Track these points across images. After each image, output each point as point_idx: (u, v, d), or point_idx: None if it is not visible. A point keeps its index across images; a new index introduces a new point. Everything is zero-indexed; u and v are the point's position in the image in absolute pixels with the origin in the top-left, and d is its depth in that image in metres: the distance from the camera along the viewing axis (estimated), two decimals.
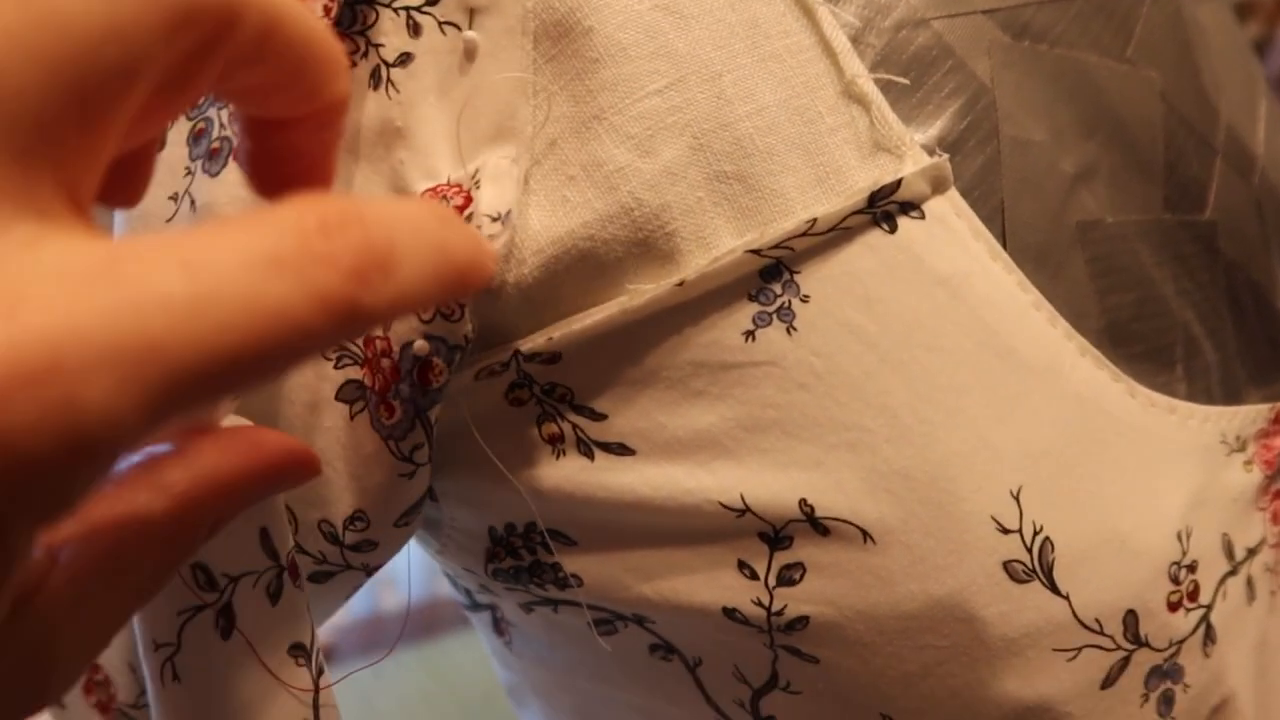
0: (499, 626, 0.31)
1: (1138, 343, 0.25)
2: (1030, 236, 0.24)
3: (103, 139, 0.13)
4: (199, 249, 0.12)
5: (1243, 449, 0.26)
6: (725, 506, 0.22)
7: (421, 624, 1.58)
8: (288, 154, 0.17)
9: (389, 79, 0.22)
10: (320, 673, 0.23)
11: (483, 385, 0.23)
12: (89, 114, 0.13)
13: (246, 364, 0.12)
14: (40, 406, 0.11)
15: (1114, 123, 0.26)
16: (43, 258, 0.12)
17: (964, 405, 0.22)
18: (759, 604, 0.23)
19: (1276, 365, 0.28)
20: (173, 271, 0.12)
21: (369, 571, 0.26)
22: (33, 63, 0.12)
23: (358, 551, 0.24)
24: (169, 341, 0.11)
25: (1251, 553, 0.25)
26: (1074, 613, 0.22)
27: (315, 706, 0.22)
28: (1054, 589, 0.22)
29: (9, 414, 0.10)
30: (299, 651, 0.22)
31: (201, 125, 0.24)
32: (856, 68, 0.22)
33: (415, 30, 0.22)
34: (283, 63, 0.15)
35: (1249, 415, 0.26)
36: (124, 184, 0.17)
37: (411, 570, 0.32)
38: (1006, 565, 0.22)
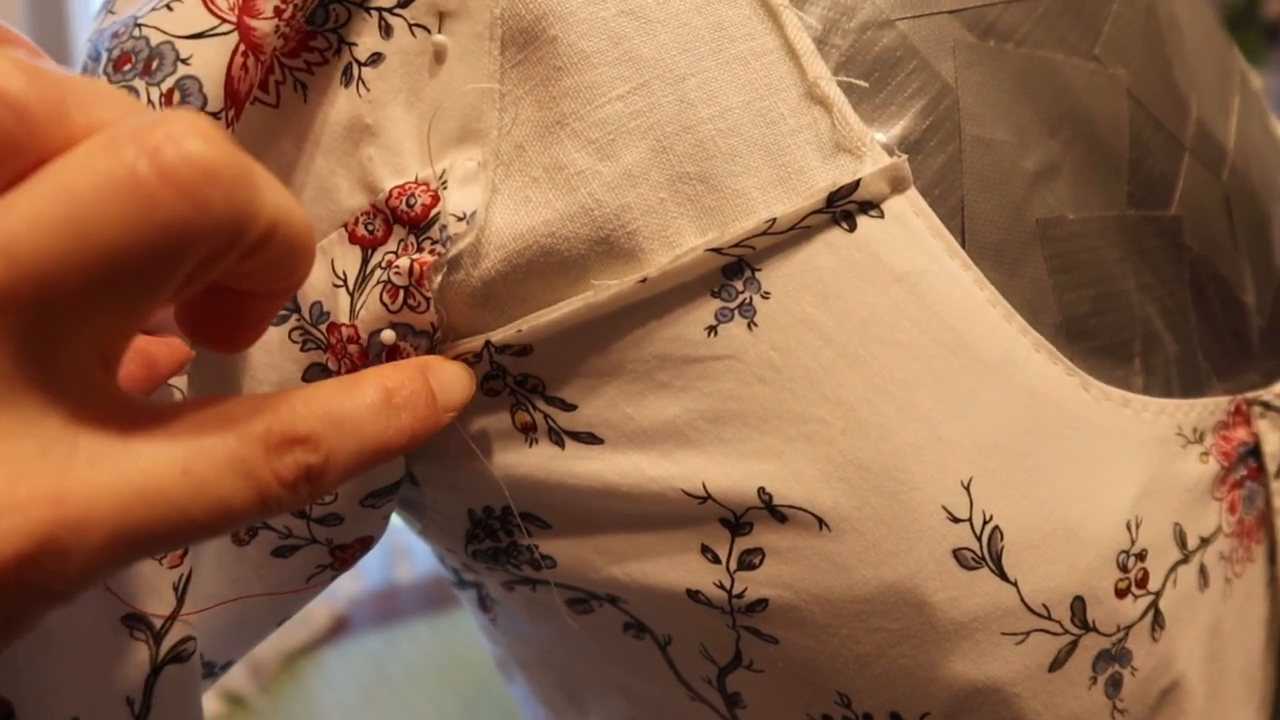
0: (484, 604, 0.32)
1: (1095, 337, 0.25)
2: (989, 234, 0.24)
3: (132, 325, 0.17)
4: (197, 447, 0.16)
5: (1200, 440, 0.26)
6: (688, 494, 0.23)
7: (433, 596, 1.61)
8: (232, 312, 0.19)
9: (360, 77, 0.23)
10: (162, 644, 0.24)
11: None
12: (127, 317, 0.16)
13: (193, 538, 0.17)
14: (58, 569, 0.15)
15: (1079, 120, 0.26)
16: (77, 441, 0.16)
17: (918, 399, 0.23)
18: (721, 587, 0.24)
19: (1241, 358, 0.29)
20: (168, 466, 0.16)
21: (332, 550, 0.27)
22: (83, 283, 0.15)
23: (324, 525, 0.26)
24: (148, 529, 0.16)
25: (1205, 541, 0.26)
26: (1022, 598, 0.23)
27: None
28: (1002, 575, 0.23)
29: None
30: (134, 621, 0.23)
31: None
32: (819, 70, 0.23)
33: (387, 31, 0.23)
34: (276, 256, 0.17)
35: (1207, 407, 0.27)
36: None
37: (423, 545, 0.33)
38: (956, 553, 0.23)
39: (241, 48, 0.22)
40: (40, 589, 0.15)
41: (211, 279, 0.17)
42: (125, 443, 0.16)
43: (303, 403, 0.18)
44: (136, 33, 0.22)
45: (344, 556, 0.27)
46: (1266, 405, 0.28)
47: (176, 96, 0.22)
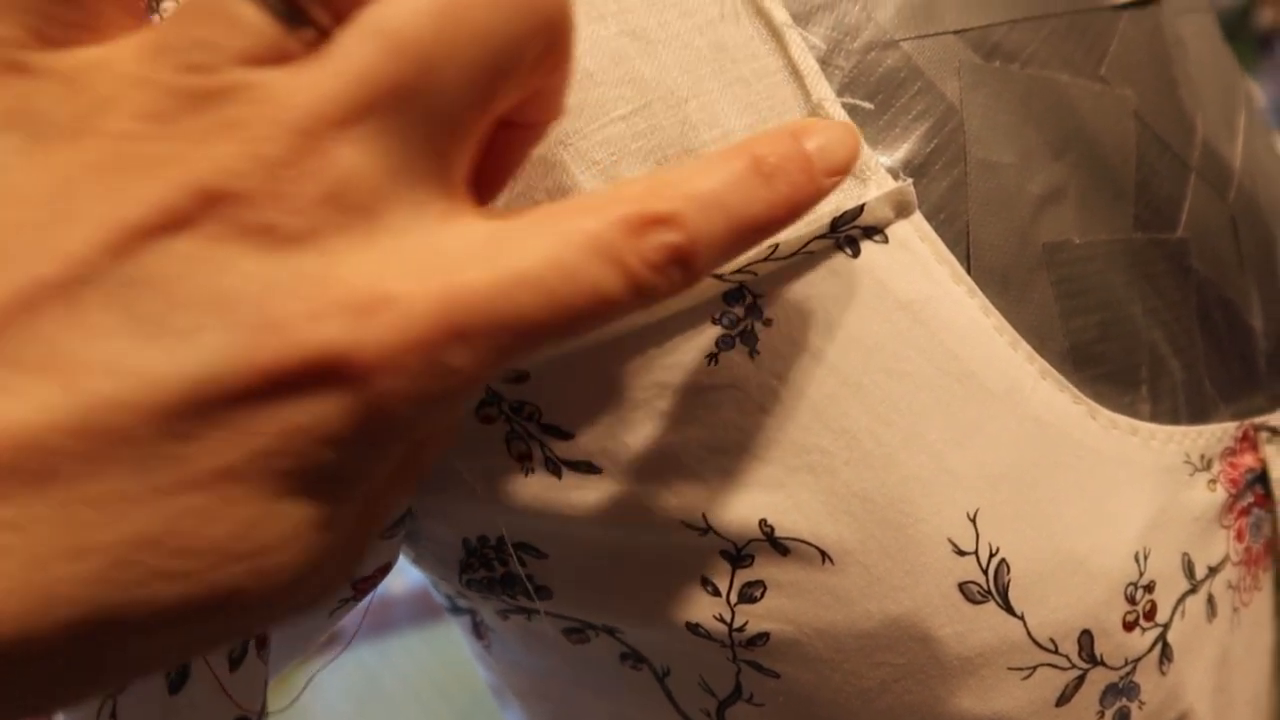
0: (478, 630, 0.31)
1: (1102, 364, 0.25)
2: (995, 259, 0.24)
3: (483, 128, 0.17)
4: (563, 234, 0.16)
5: (1207, 468, 0.26)
6: (688, 525, 0.23)
7: (427, 607, 1.60)
8: (496, 151, 0.19)
9: None
10: None
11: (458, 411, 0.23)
12: (486, 109, 0.17)
13: (571, 327, 0.16)
14: (424, 372, 0.15)
15: (1085, 143, 0.26)
16: (451, 231, 0.16)
17: (923, 429, 0.22)
18: (721, 620, 0.23)
19: (1247, 382, 0.29)
20: (534, 254, 0.16)
21: (354, 584, 0.26)
22: (461, 69, 0.16)
23: None
24: (526, 314, 0.15)
25: (1213, 570, 0.26)
26: (1029, 633, 0.23)
27: None
28: (1009, 609, 0.22)
29: (405, 364, 0.15)
30: None
31: None
32: (823, 91, 0.23)
33: None
34: (560, 72, 0.18)
35: (1214, 434, 0.26)
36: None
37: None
38: (962, 586, 0.22)
39: None
40: (443, 376, 0.15)
41: (528, 88, 0.17)
42: (493, 235, 0.16)
43: (662, 183, 0.17)
44: None
45: (364, 587, 0.27)
46: (1274, 430, 0.28)
47: None
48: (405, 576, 1.71)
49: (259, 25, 0.15)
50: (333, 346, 0.14)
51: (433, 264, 0.15)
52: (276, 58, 0.15)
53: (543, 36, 0.16)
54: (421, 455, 0.19)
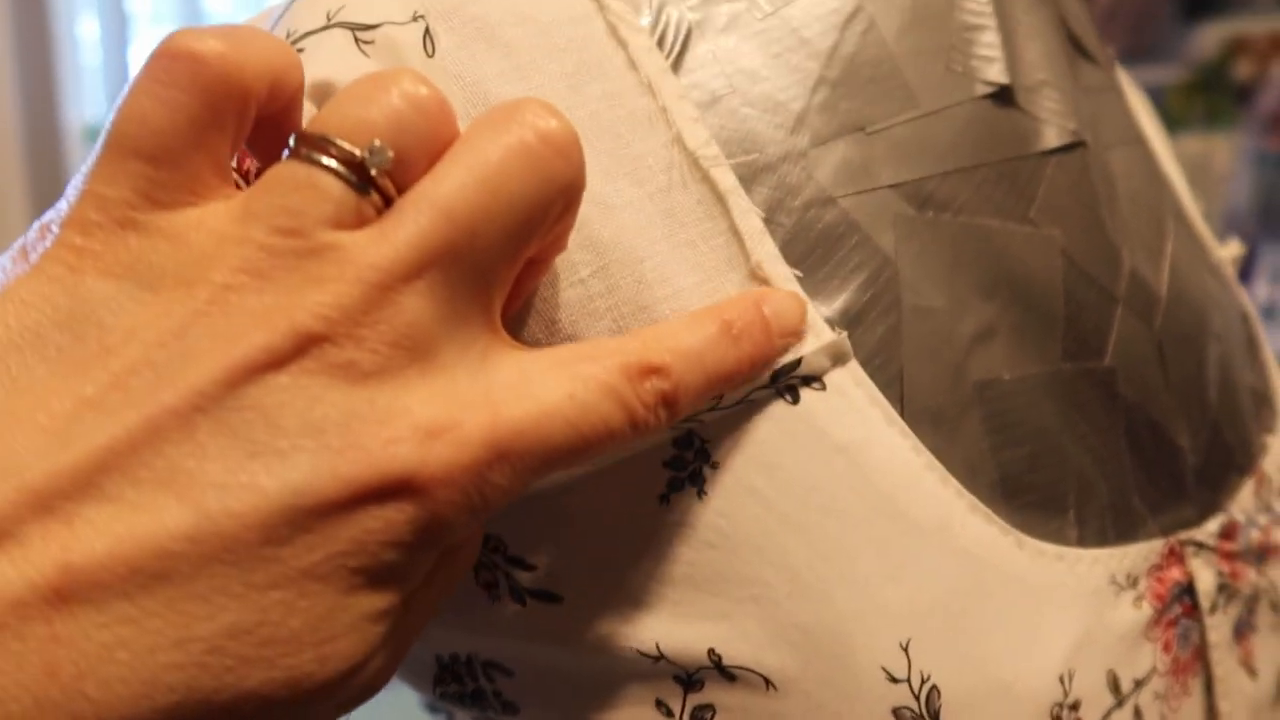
0: None
1: (1031, 493, 0.27)
2: (928, 400, 0.26)
3: (515, 273, 0.21)
4: (577, 377, 0.20)
5: (1133, 585, 0.28)
6: (642, 653, 0.24)
7: None
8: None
9: None
10: None
11: None
12: (519, 260, 0.20)
13: (585, 454, 0.20)
14: (473, 487, 0.18)
15: (1014, 283, 0.28)
16: (492, 366, 0.20)
17: (857, 565, 0.24)
18: None
19: (1175, 497, 0.30)
20: (558, 392, 0.20)
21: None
22: (499, 232, 0.19)
23: None
24: (553, 442, 0.19)
25: (1139, 684, 0.27)
26: None
27: None
28: None
29: (459, 481, 0.18)
30: None
31: None
32: (763, 251, 0.25)
33: None
34: (569, 220, 0.22)
35: (1140, 553, 0.28)
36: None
37: None
38: (896, 711, 0.24)
39: None
40: (487, 491, 0.19)
41: (550, 237, 0.21)
42: (523, 372, 0.20)
43: (654, 338, 0.22)
44: None
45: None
46: (1200, 545, 0.30)
47: None
48: None
49: (338, 194, 0.18)
50: (404, 466, 0.17)
51: (480, 397, 0.19)
52: (352, 221, 0.18)
53: (563, 198, 0.20)
54: (456, 561, 0.22)
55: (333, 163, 0.18)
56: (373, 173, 0.18)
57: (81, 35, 1.42)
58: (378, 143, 0.18)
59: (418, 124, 0.19)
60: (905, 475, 0.25)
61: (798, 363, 0.24)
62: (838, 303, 0.25)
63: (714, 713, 0.24)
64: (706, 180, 0.25)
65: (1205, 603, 0.30)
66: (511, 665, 0.27)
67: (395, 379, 0.18)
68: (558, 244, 0.23)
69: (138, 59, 1.48)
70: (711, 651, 0.24)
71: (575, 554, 0.25)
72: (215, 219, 0.18)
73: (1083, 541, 0.27)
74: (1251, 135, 1.46)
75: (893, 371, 0.26)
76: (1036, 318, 0.28)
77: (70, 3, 1.41)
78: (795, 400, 0.24)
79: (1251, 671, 0.32)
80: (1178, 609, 0.29)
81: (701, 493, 0.24)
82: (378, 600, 0.18)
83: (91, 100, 1.46)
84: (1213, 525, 0.31)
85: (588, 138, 0.24)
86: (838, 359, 0.24)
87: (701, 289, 0.24)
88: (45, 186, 1.39)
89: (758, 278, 0.24)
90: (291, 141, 0.19)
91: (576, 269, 0.24)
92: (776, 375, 0.24)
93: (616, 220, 0.24)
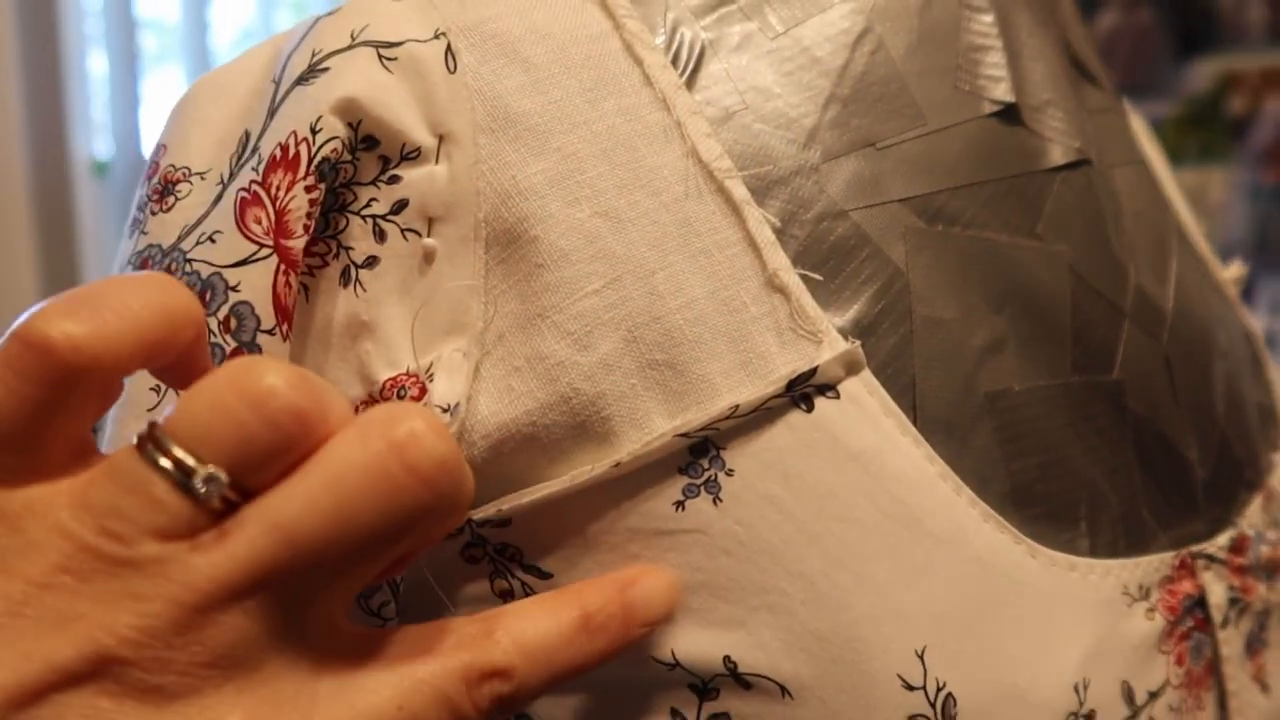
0: None
1: (1042, 503, 0.27)
2: (940, 409, 0.26)
3: (365, 581, 0.20)
4: (412, 683, 0.20)
5: (1146, 597, 0.28)
6: (657, 660, 0.25)
7: None
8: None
9: (357, 279, 0.25)
10: None
11: (441, 545, 0.25)
12: (368, 574, 0.20)
13: None
14: None
15: (1023, 296, 0.28)
16: (321, 675, 0.19)
17: (873, 572, 0.24)
18: None
19: (1185, 510, 0.31)
20: (387, 702, 0.19)
21: None
22: (345, 557, 0.19)
23: None
24: None
25: (1153, 696, 0.27)
26: None
27: None
28: None
29: None
30: None
31: None
32: (778, 261, 0.25)
33: (381, 236, 0.25)
34: (453, 523, 0.21)
35: (1152, 564, 0.28)
36: None
37: None
38: (912, 718, 0.24)
39: (282, 267, 0.24)
40: None
41: (419, 546, 0.21)
42: (354, 680, 0.20)
43: (504, 632, 0.21)
44: (188, 268, 0.25)
45: None
46: (1211, 558, 0.30)
47: (233, 322, 0.24)
48: None
49: (172, 505, 0.18)
50: None
51: (301, 710, 0.19)
52: (184, 532, 0.18)
53: (437, 517, 0.19)
54: None
55: (171, 468, 0.18)
56: (215, 488, 0.18)
57: (91, 71, 1.44)
58: (213, 470, 0.18)
59: (271, 444, 0.18)
60: (919, 483, 0.25)
61: (813, 371, 0.24)
62: (850, 313, 0.26)
63: None
64: (721, 191, 0.25)
65: (1217, 616, 0.30)
66: None
67: (205, 698, 0.18)
68: (441, 534, 0.22)
69: (147, 95, 1.50)
70: (727, 659, 0.24)
71: (591, 562, 0.25)
72: (55, 502, 0.18)
73: (1094, 552, 0.27)
74: (1246, 169, 1.48)
75: (905, 381, 0.26)
76: (1045, 331, 0.28)
77: (80, 38, 1.43)
78: (810, 409, 0.24)
79: (1264, 687, 0.32)
80: (1190, 622, 0.29)
81: (717, 500, 0.24)
82: None
83: (100, 136, 1.48)
84: (1223, 539, 0.31)
85: (605, 151, 0.25)
86: (851, 368, 0.25)
87: (716, 298, 0.25)
88: (52, 221, 1.40)
89: (774, 286, 0.25)
90: (140, 432, 0.18)
91: (590, 280, 0.24)
92: (792, 384, 0.24)
93: (629, 233, 0.25)
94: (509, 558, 0.25)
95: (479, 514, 0.25)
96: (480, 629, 0.21)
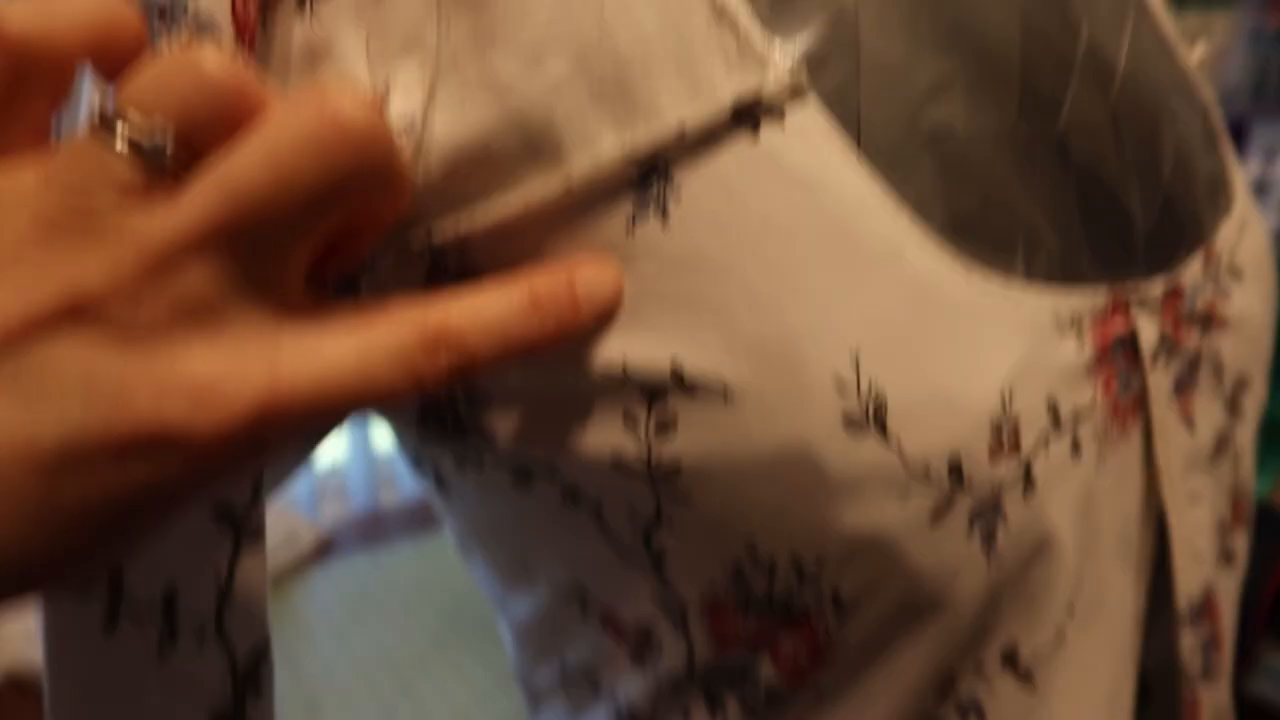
0: (441, 485, 0.35)
1: (979, 235, 0.28)
2: (883, 142, 0.27)
3: (312, 246, 0.22)
4: (370, 344, 0.21)
5: (1077, 328, 0.29)
6: (610, 368, 0.26)
7: (416, 520, 1.66)
8: (341, 244, 0.24)
9: (311, 5, 0.26)
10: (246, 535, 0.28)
11: (403, 268, 0.27)
12: (312, 235, 0.21)
13: (365, 411, 0.22)
14: (243, 443, 0.20)
15: (973, 38, 0.29)
16: (281, 333, 0.21)
17: (812, 284, 0.26)
18: (640, 451, 0.27)
19: (1126, 261, 0.32)
20: (346, 359, 0.21)
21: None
22: (287, 213, 0.20)
23: None
24: (331, 405, 0.21)
25: (1078, 416, 0.29)
26: (903, 458, 0.26)
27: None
28: (885, 439, 0.26)
29: (227, 439, 0.20)
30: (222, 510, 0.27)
31: None
32: None
33: None
34: (392, 200, 0.23)
35: (1085, 297, 0.30)
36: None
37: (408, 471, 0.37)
38: (845, 417, 0.26)
39: None
40: (259, 444, 0.20)
41: (357, 209, 0.22)
42: (315, 337, 0.21)
43: (457, 307, 0.23)
44: None
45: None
46: (1144, 300, 0.32)
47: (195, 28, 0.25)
48: (397, 491, 1.77)
49: (126, 174, 0.19)
50: (169, 423, 0.19)
51: (264, 361, 0.20)
52: (141, 195, 0.20)
53: (365, 181, 0.21)
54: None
55: (124, 138, 0.19)
56: (163, 153, 0.20)
57: None
58: (166, 125, 0.20)
59: (212, 105, 0.20)
60: (859, 206, 0.26)
61: (758, 95, 0.25)
62: (798, 44, 0.26)
63: (677, 422, 0.26)
64: None
65: (1147, 353, 0.31)
66: (489, 394, 0.29)
67: (175, 343, 0.20)
68: (391, 213, 0.23)
69: None
70: (674, 365, 0.26)
71: None
72: (21, 178, 0.20)
73: (1029, 282, 0.29)
74: (1249, 12, 1.45)
75: (850, 113, 0.27)
76: (993, 74, 0.29)
77: None
78: (756, 135, 0.25)
79: (1190, 425, 0.34)
80: (1120, 358, 0.31)
81: (666, 220, 0.25)
82: (146, 527, 0.21)
83: None
84: (1159, 285, 0.32)
85: None
86: (795, 92, 0.26)
87: (663, 23, 0.25)
88: None
89: (722, 13, 0.25)
90: (95, 109, 0.20)
91: (541, 5, 0.25)
92: (738, 107, 0.25)
93: None
94: (469, 275, 0.27)
95: (437, 235, 0.26)
96: (435, 303, 0.23)
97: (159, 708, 0.26)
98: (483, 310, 0.23)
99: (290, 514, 1.52)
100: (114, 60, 0.21)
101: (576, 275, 0.25)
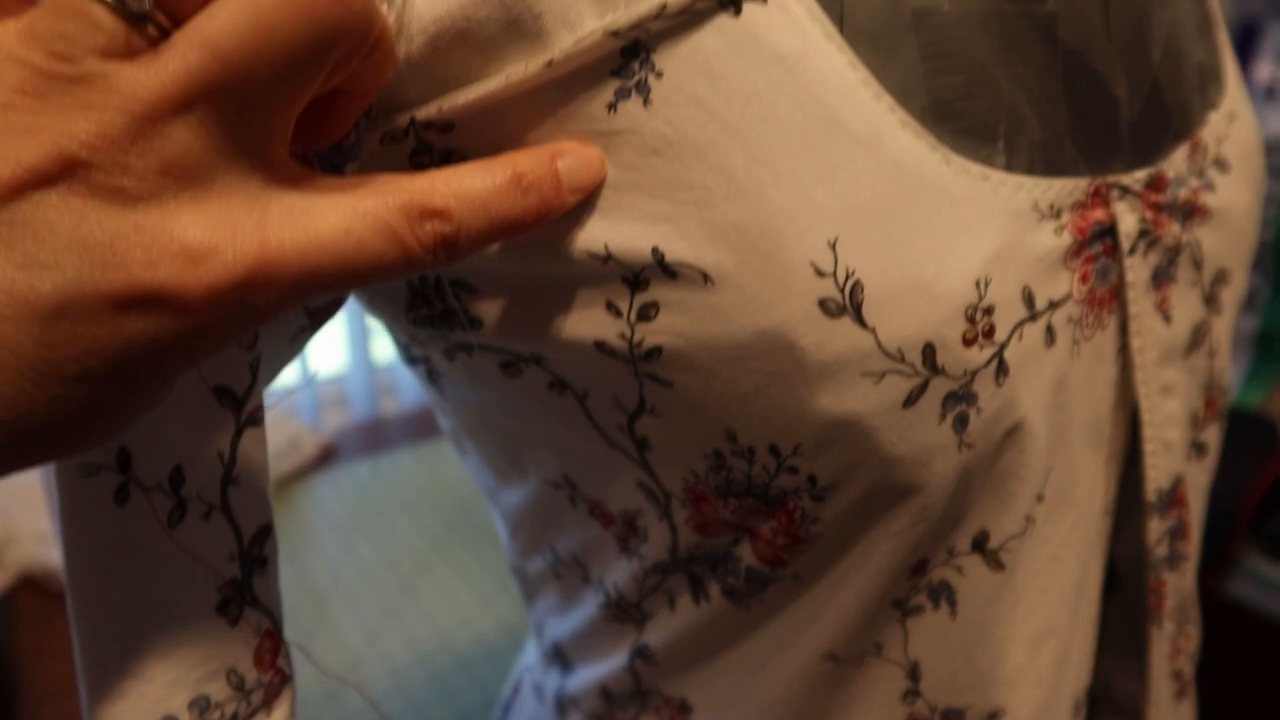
0: (432, 377, 0.36)
1: (961, 119, 0.28)
2: (866, 22, 0.27)
3: (297, 109, 0.22)
4: (357, 212, 0.21)
5: (1056, 216, 0.30)
6: (592, 255, 0.27)
7: (417, 427, 1.68)
8: (330, 110, 0.24)
9: None
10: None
11: (388, 150, 0.27)
12: (297, 97, 0.21)
13: (353, 283, 0.22)
14: (233, 306, 0.20)
15: None
16: (270, 197, 0.21)
17: (791, 168, 0.26)
18: (623, 337, 0.27)
19: (1108, 147, 0.32)
20: (334, 224, 0.21)
21: (310, 314, 0.30)
22: (271, 70, 0.20)
23: None
24: (321, 271, 0.21)
25: (1054, 304, 0.30)
26: (879, 344, 0.27)
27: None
28: (861, 324, 0.26)
29: (219, 300, 0.20)
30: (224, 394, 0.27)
31: None
32: None
33: None
34: (377, 59, 0.23)
35: (1065, 187, 0.30)
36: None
37: (410, 379, 0.38)
38: (822, 303, 0.26)
39: None
40: (250, 309, 0.21)
41: (341, 75, 0.22)
42: (303, 204, 0.21)
43: (442, 181, 0.23)
44: None
45: (319, 316, 0.31)
46: (1125, 189, 0.32)
47: None
48: (397, 400, 1.79)
49: (109, 25, 0.19)
50: (163, 283, 0.19)
51: (253, 224, 0.20)
52: (125, 52, 0.19)
53: (348, 39, 0.21)
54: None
55: None
56: (145, 6, 0.19)
57: None
58: None
59: None
60: (840, 86, 0.26)
61: None
62: None
63: (658, 309, 0.27)
64: None
65: (1126, 244, 0.32)
66: (475, 281, 0.29)
67: (165, 204, 0.20)
68: (370, 79, 0.23)
69: None
70: (655, 250, 0.26)
71: None
72: (4, 38, 0.19)
73: (1010, 169, 0.29)
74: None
75: None
76: None
77: None
78: (738, 12, 0.25)
79: (1166, 317, 0.34)
80: (1098, 247, 0.31)
81: (647, 101, 0.25)
82: (134, 393, 0.21)
83: None
84: (1141, 175, 0.32)
85: None
86: None
87: None
88: None
89: None
90: None
91: None
92: None
93: None
94: (454, 163, 0.27)
95: (421, 114, 0.26)
96: (420, 176, 0.23)
97: (172, 572, 0.27)
98: (467, 185, 0.23)
99: (293, 422, 1.54)
100: None
101: (559, 155, 0.25)
